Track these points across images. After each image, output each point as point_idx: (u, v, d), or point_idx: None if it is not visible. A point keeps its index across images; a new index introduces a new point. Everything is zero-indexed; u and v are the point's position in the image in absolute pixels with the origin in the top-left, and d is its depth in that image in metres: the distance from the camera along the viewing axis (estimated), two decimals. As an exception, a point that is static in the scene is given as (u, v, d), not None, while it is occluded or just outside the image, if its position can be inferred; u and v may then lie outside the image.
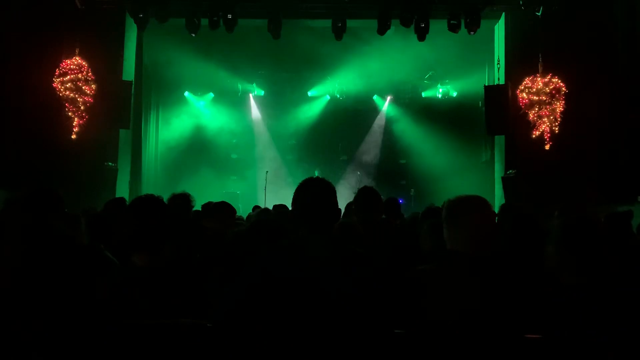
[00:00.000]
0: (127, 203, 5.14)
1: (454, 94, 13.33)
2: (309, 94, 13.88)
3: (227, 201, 4.57)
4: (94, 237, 3.50)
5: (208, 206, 4.69)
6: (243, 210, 9.88)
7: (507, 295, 2.18)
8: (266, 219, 3.31)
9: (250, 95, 13.76)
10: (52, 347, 2.21)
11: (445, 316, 2.14)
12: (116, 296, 2.34)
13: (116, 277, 2.51)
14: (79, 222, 3.59)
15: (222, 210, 4.39)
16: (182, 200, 4.54)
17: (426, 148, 13.68)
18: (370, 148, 14.20)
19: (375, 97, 14.16)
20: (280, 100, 13.86)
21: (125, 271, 2.56)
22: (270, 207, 5.73)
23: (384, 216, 4.45)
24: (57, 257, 2.41)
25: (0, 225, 2.59)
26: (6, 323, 2.23)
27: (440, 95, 13.60)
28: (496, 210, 4.41)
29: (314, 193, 2.22)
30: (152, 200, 2.56)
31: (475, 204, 2.32)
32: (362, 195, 4.02)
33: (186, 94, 13.52)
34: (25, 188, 2.76)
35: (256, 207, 6.86)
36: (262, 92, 13.83)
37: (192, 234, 4.10)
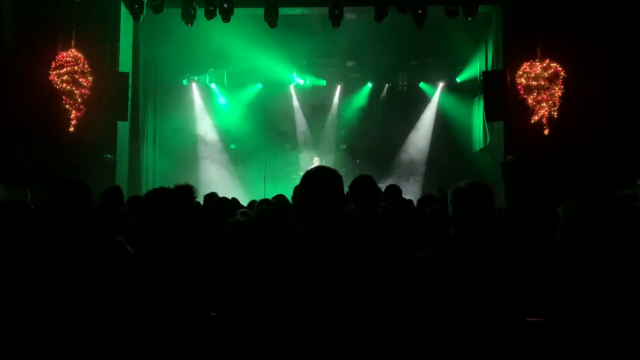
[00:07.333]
0: (125, 194, 5.18)
1: (457, 81, 13.26)
2: (307, 81, 13.80)
3: (225, 194, 4.56)
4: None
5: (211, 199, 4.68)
6: (242, 200, 9.86)
7: (513, 278, 2.21)
8: (271, 209, 3.30)
9: (248, 84, 13.71)
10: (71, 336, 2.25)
11: (453, 300, 2.18)
12: (130, 285, 2.39)
13: (132, 268, 2.54)
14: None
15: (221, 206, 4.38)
16: (186, 192, 4.57)
17: (424, 135, 13.67)
18: (369, 136, 14.15)
19: (374, 85, 14.07)
20: (275, 88, 13.81)
21: (136, 261, 2.59)
22: (269, 197, 5.73)
23: (383, 203, 4.43)
24: (81, 252, 2.45)
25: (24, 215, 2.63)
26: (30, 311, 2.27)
27: (437, 82, 13.54)
28: (497, 196, 4.41)
29: (322, 182, 2.22)
30: (164, 193, 2.63)
31: (481, 190, 2.37)
32: (359, 184, 3.91)
33: (184, 82, 13.47)
34: (54, 180, 2.70)
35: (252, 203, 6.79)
36: (259, 85, 13.77)
37: (198, 224, 4.12)
